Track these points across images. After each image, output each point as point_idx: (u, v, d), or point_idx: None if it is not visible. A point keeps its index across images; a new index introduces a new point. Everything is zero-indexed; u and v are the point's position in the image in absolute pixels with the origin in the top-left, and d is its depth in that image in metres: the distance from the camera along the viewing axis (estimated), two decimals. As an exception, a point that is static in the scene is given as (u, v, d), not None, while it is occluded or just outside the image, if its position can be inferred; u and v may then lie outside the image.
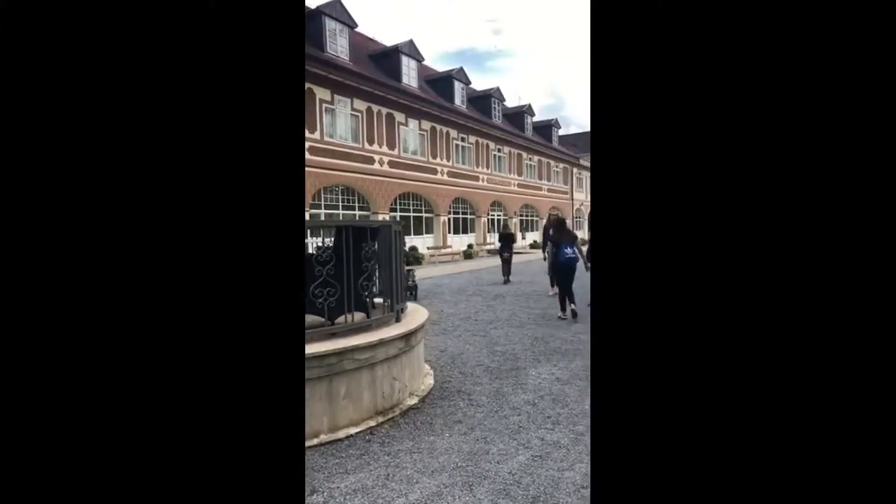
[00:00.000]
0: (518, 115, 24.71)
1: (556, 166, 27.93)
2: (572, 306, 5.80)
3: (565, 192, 29.05)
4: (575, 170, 30.42)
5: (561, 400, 3.11)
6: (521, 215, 24.32)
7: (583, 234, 27.24)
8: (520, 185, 23.50)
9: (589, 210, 32.60)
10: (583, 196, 31.62)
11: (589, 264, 6.14)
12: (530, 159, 24.66)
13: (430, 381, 3.53)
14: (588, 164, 32.34)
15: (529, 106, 25.47)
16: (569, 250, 5.73)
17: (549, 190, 26.69)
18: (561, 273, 5.80)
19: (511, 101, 25.69)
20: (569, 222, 27.30)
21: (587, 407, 2.95)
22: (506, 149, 22.22)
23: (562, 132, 32.27)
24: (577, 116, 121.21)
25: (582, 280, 5.82)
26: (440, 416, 2.90)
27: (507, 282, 9.59)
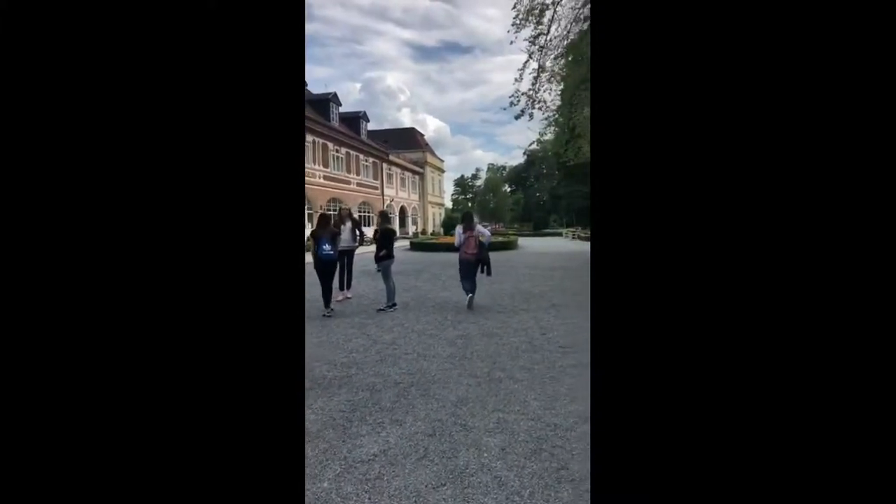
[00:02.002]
0: (323, 103, 23.11)
1: (366, 160, 27.23)
2: (330, 306, 5.82)
3: (376, 188, 28.63)
4: (385, 165, 30.27)
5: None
6: (329, 209, 22.87)
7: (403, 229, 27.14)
8: (326, 178, 22.00)
9: (399, 206, 33.03)
10: (393, 192, 31.73)
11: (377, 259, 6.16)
12: (337, 150, 23.33)
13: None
14: (399, 160, 32.62)
15: (335, 95, 24.08)
16: (327, 246, 5.71)
17: (358, 184, 25.79)
18: (320, 268, 5.79)
19: (316, 89, 23.90)
20: (377, 219, 27.05)
21: (326, 485, 2.02)
22: (310, 137, 20.43)
23: (373, 127, 31.78)
24: (389, 114, 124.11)
25: (372, 282, 5.04)
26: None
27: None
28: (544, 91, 11.72)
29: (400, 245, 20.96)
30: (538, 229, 41.69)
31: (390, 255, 6.08)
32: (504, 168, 62.79)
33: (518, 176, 58.98)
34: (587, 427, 2.56)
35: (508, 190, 57.66)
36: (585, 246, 20.75)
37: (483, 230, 6.17)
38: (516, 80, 12.19)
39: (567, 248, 19.61)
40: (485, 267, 6.04)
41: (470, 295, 6.04)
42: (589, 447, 2.39)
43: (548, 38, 11.10)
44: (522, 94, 11.57)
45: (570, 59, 12.81)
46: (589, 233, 27.62)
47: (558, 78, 12.21)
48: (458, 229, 6.12)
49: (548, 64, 11.52)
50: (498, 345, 4.28)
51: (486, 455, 2.26)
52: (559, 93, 13.31)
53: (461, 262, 6.07)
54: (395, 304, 6.04)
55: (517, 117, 11.86)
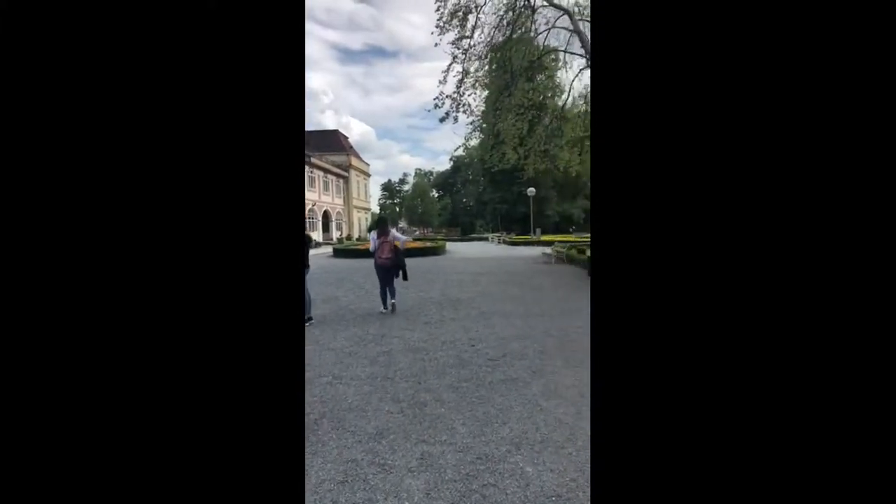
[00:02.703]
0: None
1: (286, 162, 25.80)
2: None
3: (297, 191, 27.19)
4: (307, 168, 28.89)
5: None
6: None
7: (317, 235, 26.03)
8: (241, 180, 20.43)
9: (322, 210, 31.75)
10: (316, 196, 30.38)
11: None
12: (253, 152, 21.81)
13: None
14: (322, 163, 31.39)
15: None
16: None
17: (277, 187, 24.33)
18: None
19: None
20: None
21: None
22: (220, 136, 18.85)
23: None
24: (312, 116, 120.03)
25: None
26: None
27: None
28: (469, 95, 11.68)
29: (322, 252, 20.01)
30: (465, 234, 42.18)
31: (305, 264, 5.53)
32: (431, 173, 63.10)
33: (445, 181, 59.48)
34: (520, 456, 2.31)
35: (436, 195, 57.94)
36: (511, 250, 21.21)
37: (399, 236, 6.32)
38: (441, 82, 12.07)
39: (494, 252, 19.87)
40: (401, 272, 6.15)
41: (390, 301, 6.15)
42: (524, 484, 2.16)
43: (471, 43, 11.08)
44: (447, 96, 11.44)
45: (493, 66, 12.92)
46: (512, 237, 28.40)
47: (482, 83, 12.26)
48: (373, 235, 6.19)
49: (472, 69, 11.51)
50: (424, 361, 3.95)
51: (407, 504, 1.91)
52: (483, 99, 13.38)
53: (377, 267, 6.15)
54: (310, 319, 5.50)
55: (442, 120, 11.74)
